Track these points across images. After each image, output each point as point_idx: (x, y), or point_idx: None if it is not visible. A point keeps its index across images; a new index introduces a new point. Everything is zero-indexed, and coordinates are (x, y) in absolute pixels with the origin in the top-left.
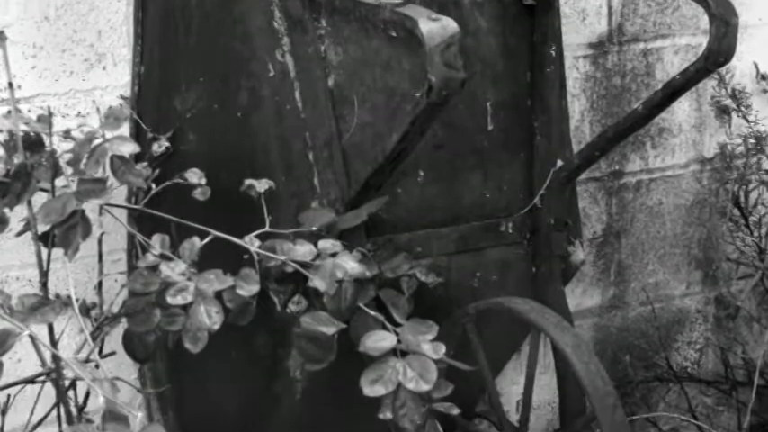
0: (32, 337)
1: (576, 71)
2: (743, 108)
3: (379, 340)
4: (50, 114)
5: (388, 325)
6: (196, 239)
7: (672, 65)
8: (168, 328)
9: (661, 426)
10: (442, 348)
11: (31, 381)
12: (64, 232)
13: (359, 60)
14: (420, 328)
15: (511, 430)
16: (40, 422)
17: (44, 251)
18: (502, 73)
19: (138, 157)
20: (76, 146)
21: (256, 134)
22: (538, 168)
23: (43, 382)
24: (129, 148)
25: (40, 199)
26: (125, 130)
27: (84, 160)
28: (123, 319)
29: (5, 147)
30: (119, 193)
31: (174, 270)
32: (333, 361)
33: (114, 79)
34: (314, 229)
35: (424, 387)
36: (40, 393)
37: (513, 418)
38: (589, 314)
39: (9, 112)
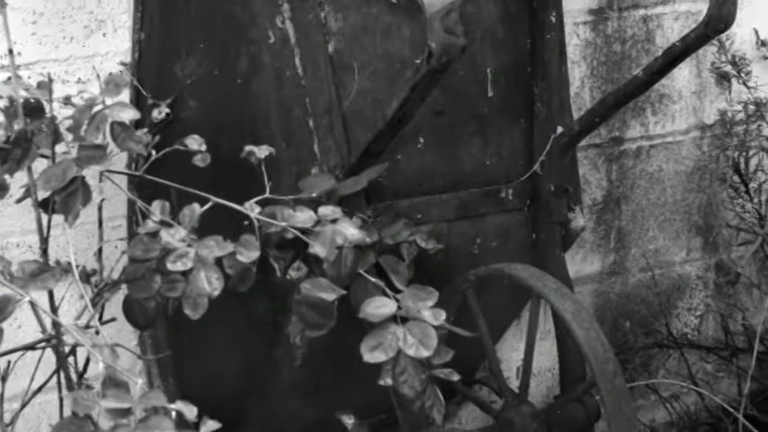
0: (32, 304)
1: (576, 37)
2: (743, 74)
3: (379, 307)
4: (50, 81)
5: (388, 291)
6: (196, 206)
7: (672, 31)
8: (168, 294)
9: (661, 392)
10: (443, 315)
11: (32, 347)
12: (64, 199)
13: (359, 27)
14: (420, 295)
15: (511, 396)
16: (40, 388)
17: (44, 217)
18: (502, 39)
19: (138, 124)
20: (77, 112)
21: (256, 101)
22: (538, 135)
23: (43, 348)
24: (130, 115)
25: (40, 165)
26: (125, 96)
27: (84, 127)
28: (123, 286)
29: (6, 113)
30: (119, 160)
31: (175, 236)
32: (333, 327)
33: (114, 45)
34: (314, 195)
35: (425, 353)
36: (40, 360)
37: (514, 384)
38: (589, 280)
39: (9, 78)
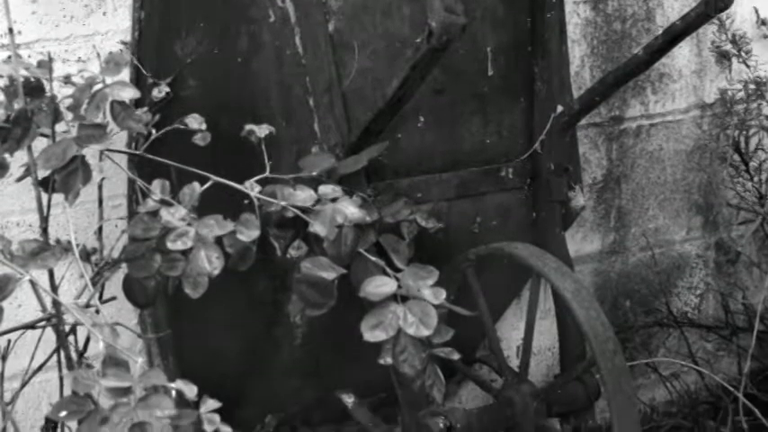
0: (33, 283)
1: (576, 16)
2: (743, 53)
3: (379, 285)
4: (51, 60)
5: (388, 270)
6: (196, 185)
7: (672, 10)
8: (168, 273)
9: (661, 371)
10: (443, 293)
11: (32, 326)
12: (64, 177)
13: (359, 6)
14: (420, 274)
15: (511, 375)
16: (40, 367)
17: (44, 196)
18: (502, 18)
19: (138, 103)
20: (77, 91)
21: (257, 80)
22: (538, 114)
23: (43, 327)
24: (130, 94)
25: (40, 144)
26: (125, 75)
27: (84, 105)
28: (123, 265)
29: (6, 92)
30: (119, 139)
31: (175, 215)
32: (333, 306)
33: (114, 24)
34: (314, 174)
35: (425, 332)
36: (40, 339)
37: (514, 363)
38: (589, 259)
39: (9, 57)
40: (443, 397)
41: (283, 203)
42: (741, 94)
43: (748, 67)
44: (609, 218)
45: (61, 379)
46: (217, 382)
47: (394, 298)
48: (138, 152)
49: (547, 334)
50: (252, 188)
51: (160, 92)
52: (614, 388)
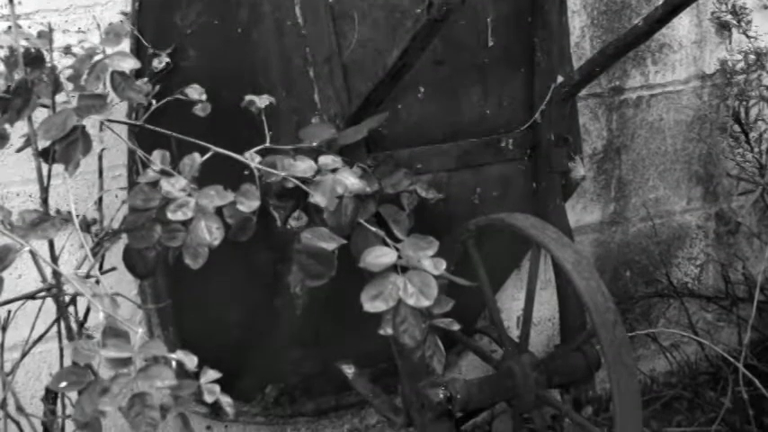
0: (33, 253)
1: None
2: (743, 24)
3: (379, 256)
4: (51, 30)
5: (388, 241)
6: (196, 155)
7: None
8: (168, 243)
9: (661, 341)
10: (443, 264)
11: (32, 296)
12: (64, 148)
13: None
14: (420, 244)
15: (511, 346)
16: (40, 338)
17: (44, 167)
18: None
19: (138, 73)
20: (77, 62)
21: (257, 50)
22: (538, 84)
23: (44, 297)
24: (130, 64)
25: (40, 115)
26: (125, 45)
27: (84, 76)
28: (124, 235)
29: (6, 63)
30: (119, 109)
31: (175, 186)
32: (333, 277)
33: None
34: (314, 144)
35: (425, 303)
36: (40, 309)
37: (514, 333)
38: (589, 230)
39: (9, 27)
40: (443, 367)
41: (283, 174)
42: (741, 64)
43: (748, 37)
44: (609, 188)
45: (61, 349)
46: (217, 353)
47: (394, 268)
48: (138, 123)
49: (547, 305)
50: (252, 159)
51: (160, 62)
52: (614, 359)
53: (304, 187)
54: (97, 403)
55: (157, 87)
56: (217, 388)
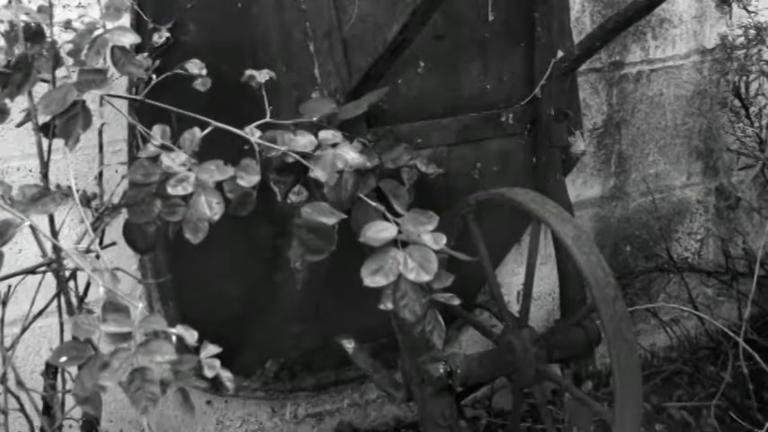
0: (33, 228)
1: None
2: None
3: (379, 231)
4: (51, 5)
5: (388, 215)
6: (197, 130)
7: None
8: (169, 218)
9: (661, 316)
10: (443, 239)
11: (32, 271)
12: (64, 123)
13: None
14: (421, 219)
15: (511, 320)
16: (40, 313)
17: (45, 142)
18: None
19: (138, 48)
20: (77, 36)
21: (257, 25)
22: (538, 59)
23: (44, 272)
24: (130, 39)
25: (40, 90)
26: (126, 20)
27: (84, 51)
28: (124, 210)
29: (6, 37)
30: (119, 84)
31: (175, 160)
32: (333, 252)
33: None
34: (314, 119)
35: (425, 277)
36: (40, 284)
37: (514, 308)
38: (590, 205)
39: (10, 2)
40: (443, 342)
41: (284, 149)
42: (741, 39)
43: (748, 12)
44: (609, 163)
45: (61, 324)
46: (217, 328)
47: (394, 243)
48: (138, 97)
49: (547, 279)
50: (252, 133)
51: (160, 37)
52: (614, 333)
53: (304, 162)
54: (97, 378)
55: (158, 62)
56: (217, 363)
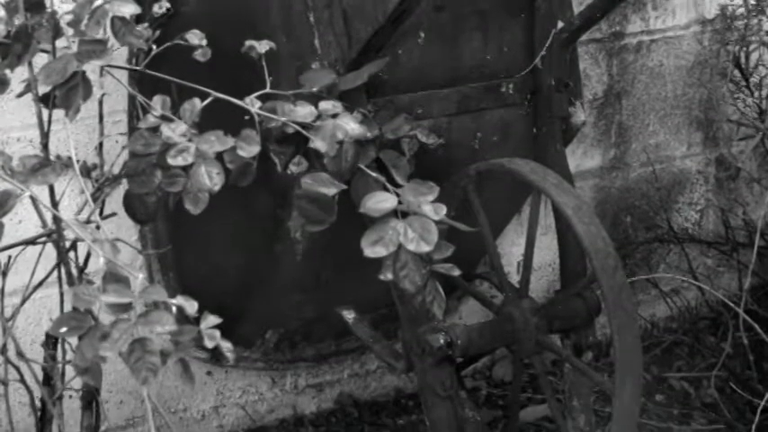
0: (33, 198)
1: None
2: None
3: (379, 201)
4: None
5: (388, 186)
6: (197, 100)
7: None
8: (169, 189)
9: (662, 287)
10: (443, 209)
11: (32, 242)
12: (65, 93)
13: None
14: (421, 190)
15: (511, 291)
16: (40, 283)
17: (45, 112)
18: None
19: (138, 18)
20: (77, 7)
21: None
22: (539, 29)
23: (44, 243)
24: (130, 9)
25: (40, 60)
26: None
27: (84, 21)
28: (124, 181)
29: (6, 8)
30: (119, 55)
31: (175, 131)
32: (333, 222)
33: None
34: (314, 90)
35: (425, 248)
36: (40, 255)
37: (514, 279)
38: (590, 175)
39: None
40: (443, 313)
41: (284, 119)
42: (741, 9)
43: None
44: (609, 134)
45: (62, 295)
46: (217, 298)
47: (394, 214)
48: (138, 68)
49: (547, 250)
50: (252, 104)
51: (161, 7)
52: (615, 304)
53: (304, 132)
54: (97, 348)
55: (158, 32)
56: (217, 333)
